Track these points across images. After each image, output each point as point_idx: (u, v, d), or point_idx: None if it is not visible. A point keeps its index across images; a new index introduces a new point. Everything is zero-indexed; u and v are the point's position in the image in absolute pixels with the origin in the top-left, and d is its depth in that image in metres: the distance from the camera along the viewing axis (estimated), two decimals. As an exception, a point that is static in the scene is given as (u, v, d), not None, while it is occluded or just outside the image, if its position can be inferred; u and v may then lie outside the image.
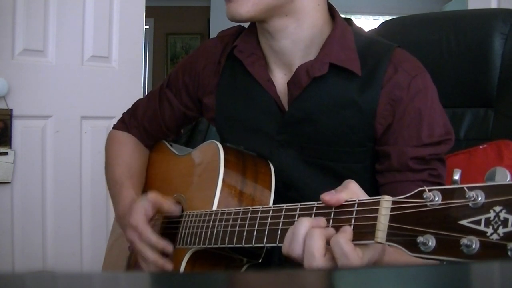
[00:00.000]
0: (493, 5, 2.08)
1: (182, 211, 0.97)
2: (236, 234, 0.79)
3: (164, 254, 0.92)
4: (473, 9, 1.84)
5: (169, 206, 0.94)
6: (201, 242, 0.85)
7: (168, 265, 0.90)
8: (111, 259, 1.23)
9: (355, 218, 0.62)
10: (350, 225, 0.62)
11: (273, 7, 0.90)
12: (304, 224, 0.65)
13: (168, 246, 0.90)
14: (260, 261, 0.90)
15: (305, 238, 0.64)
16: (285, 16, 0.92)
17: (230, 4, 0.90)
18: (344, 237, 0.61)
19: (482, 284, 0.35)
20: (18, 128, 1.84)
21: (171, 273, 0.81)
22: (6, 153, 1.80)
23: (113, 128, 1.22)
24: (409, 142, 0.89)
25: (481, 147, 1.19)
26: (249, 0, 0.89)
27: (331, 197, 0.65)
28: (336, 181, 0.94)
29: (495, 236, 0.49)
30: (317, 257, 0.62)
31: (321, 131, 0.93)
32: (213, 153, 0.95)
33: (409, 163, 0.89)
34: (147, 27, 6.13)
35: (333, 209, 0.66)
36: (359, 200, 0.63)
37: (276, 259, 0.96)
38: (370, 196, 0.67)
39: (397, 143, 0.90)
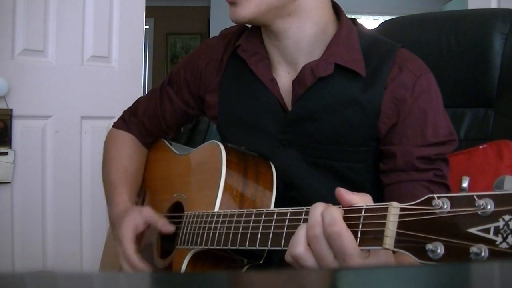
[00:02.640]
0: (493, 5, 2.08)
1: (183, 211, 0.97)
2: (239, 236, 0.79)
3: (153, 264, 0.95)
4: (473, 9, 1.84)
5: (164, 225, 0.96)
6: (203, 243, 0.85)
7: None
8: (109, 258, 1.23)
9: (363, 223, 0.62)
10: (358, 230, 0.62)
11: (275, 8, 0.90)
12: (320, 205, 0.66)
13: (145, 269, 0.93)
14: (261, 262, 0.90)
15: (322, 213, 0.64)
16: (288, 16, 0.92)
17: (233, 7, 0.91)
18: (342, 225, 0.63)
19: (482, 284, 0.35)
20: (18, 128, 1.84)
21: (171, 273, 0.81)
22: (6, 153, 1.80)
23: (113, 126, 1.23)
24: (414, 141, 0.89)
25: (481, 147, 1.19)
26: (251, 2, 0.89)
27: (346, 193, 0.65)
28: (337, 181, 0.93)
29: (504, 245, 0.49)
30: (338, 220, 0.62)
31: (323, 130, 0.93)
32: (215, 153, 0.95)
33: (415, 162, 0.88)
34: (147, 27, 6.13)
35: None
36: (366, 206, 0.63)
37: (277, 260, 0.96)
38: (371, 196, 0.67)
39: (402, 143, 0.90)
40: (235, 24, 1.00)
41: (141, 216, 0.96)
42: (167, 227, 0.95)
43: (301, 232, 0.66)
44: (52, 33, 1.90)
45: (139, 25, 2.16)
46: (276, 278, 0.37)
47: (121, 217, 0.99)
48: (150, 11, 2.81)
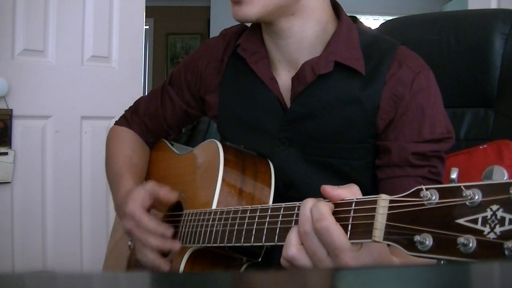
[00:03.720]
0: (493, 5, 2.08)
1: (182, 209, 0.98)
2: (235, 233, 0.79)
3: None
4: (473, 9, 1.84)
5: (165, 194, 0.94)
6: (201, 241, 0.85)
7: (176, 245, 0.89)
8: (112, 260, 1.23)
9: (353, 216, 0.62)
10: (348, 224, 0.62)
11: (281, 7, 0.90)
12: (309, 200, 0.65)
13: (167, 230, 0.90)
14: (259, 260, 0.90)
15: (311, 209, 0.64)
16: (291, 15, 0.92)
17: (238, 6, 0.90)
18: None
19: (482, 284, 0.35)
20: (18, 128, 1.84)
21: (171, 273, 0.81)
22: (6, 153, 1.80)
23: (115, 124, 1.22)
24: (410, 138, 0.89)
25: (481, 147, 1.19)
26: (258, 2, 0.89)
27: (332, 189, 0.65)
28: (337, 180, 0.93)
29: (492, 235, 0.49)
30: (326, 215, 0.62)
31: (323, 128, 0.93)
32: (213, 152, 0.95)
33: (410, 158, 0.89)
34: (147, 27, 6.14)
35: None
36: (356, 199, 0.63)
37: (277, 258, 0.96)
38: (371, 193, 0.67)
39: (398, 139, 0.90)
40: (235, 23, 1.00)
41: (144, 190, 0.94)
42: (169, 196, 0.93)
43: (292, 234, 0.66)
44: (52, 33, 1.90)
45: (139, 25, 2.16)
46: (276, 278, 0.37)
47: (126, 197, 0.97)
48: (150, 11, 2.81)
